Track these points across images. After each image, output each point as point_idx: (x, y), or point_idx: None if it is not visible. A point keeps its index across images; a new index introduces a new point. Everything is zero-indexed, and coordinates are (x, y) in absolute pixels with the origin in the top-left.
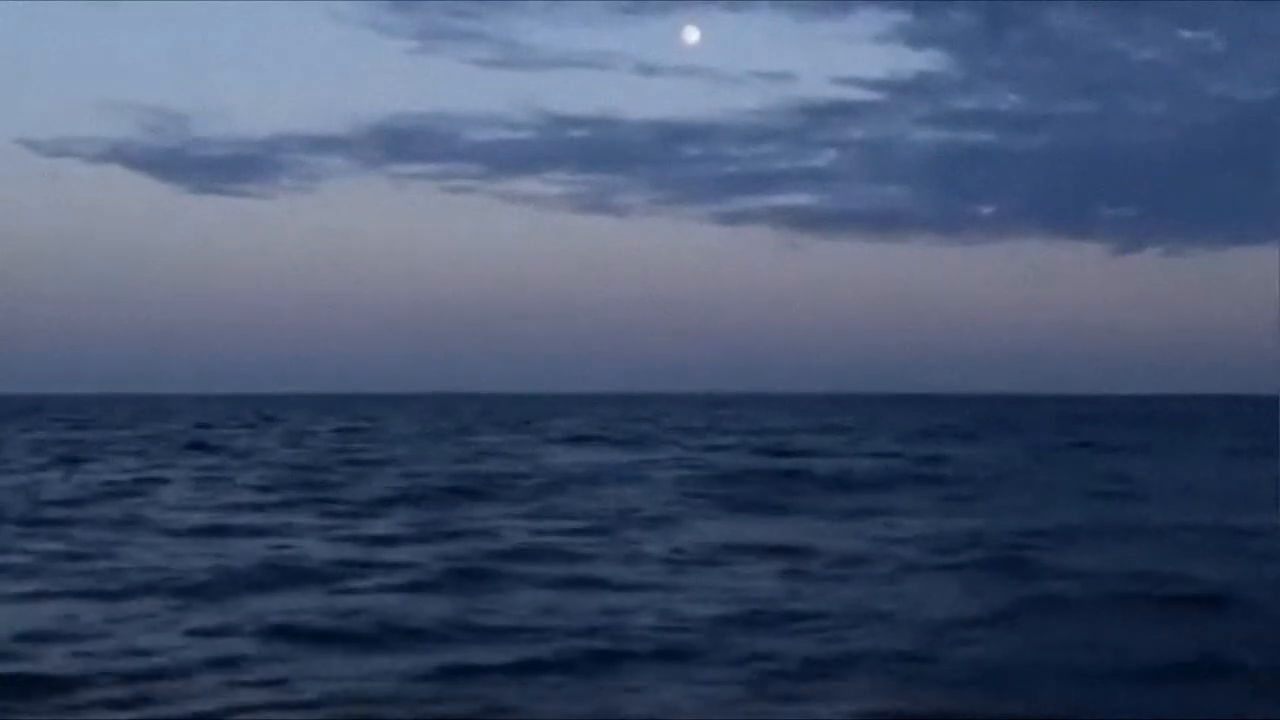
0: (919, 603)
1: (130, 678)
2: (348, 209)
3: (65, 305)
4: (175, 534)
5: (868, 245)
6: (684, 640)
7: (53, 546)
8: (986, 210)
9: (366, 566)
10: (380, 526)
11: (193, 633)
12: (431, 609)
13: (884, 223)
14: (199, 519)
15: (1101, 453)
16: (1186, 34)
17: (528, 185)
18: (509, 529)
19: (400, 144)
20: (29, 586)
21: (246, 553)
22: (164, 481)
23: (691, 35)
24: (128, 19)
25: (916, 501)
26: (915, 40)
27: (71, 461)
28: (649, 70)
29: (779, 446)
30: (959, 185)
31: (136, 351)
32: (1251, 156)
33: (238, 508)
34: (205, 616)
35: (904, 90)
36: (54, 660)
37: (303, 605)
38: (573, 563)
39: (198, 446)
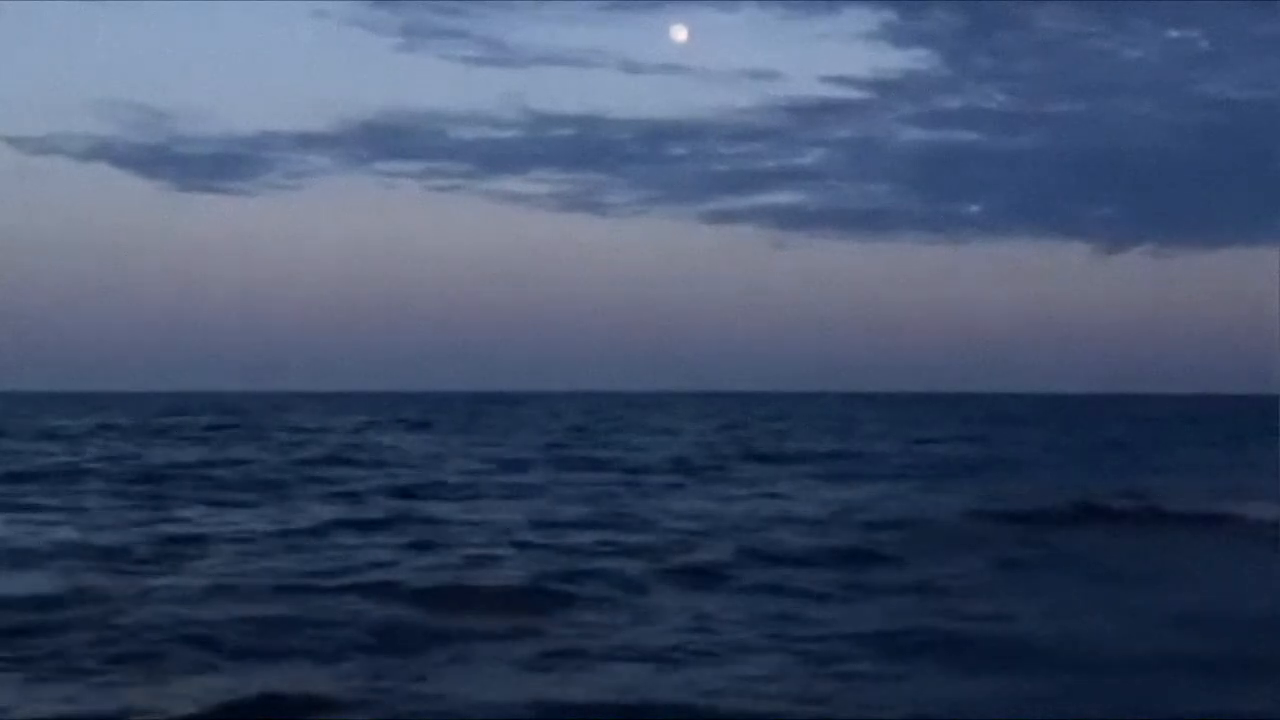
0: None
1: None
2: (333, 207)
3: (52, 302)
4: None
5: (855, 244)
6: None
7: None
8: (974, 209)
9: None
10: None
11: None
12: None
13: (871, 221)
14: None
15: None
16: (1173, 34)
17: (513, 184)
18: None
19: (386, 142)
20: None
21: None
22: None
23: (679, 34)
24: (113, 17)
25: None
26: (903, 39)
27: None
28: (635, 68)
29: None
30: (946, 184)
31: (124, 349)
32: (1239, 157)
33: None
34: None
35: (891, 89)
36: None
37: None
38: None
39: None
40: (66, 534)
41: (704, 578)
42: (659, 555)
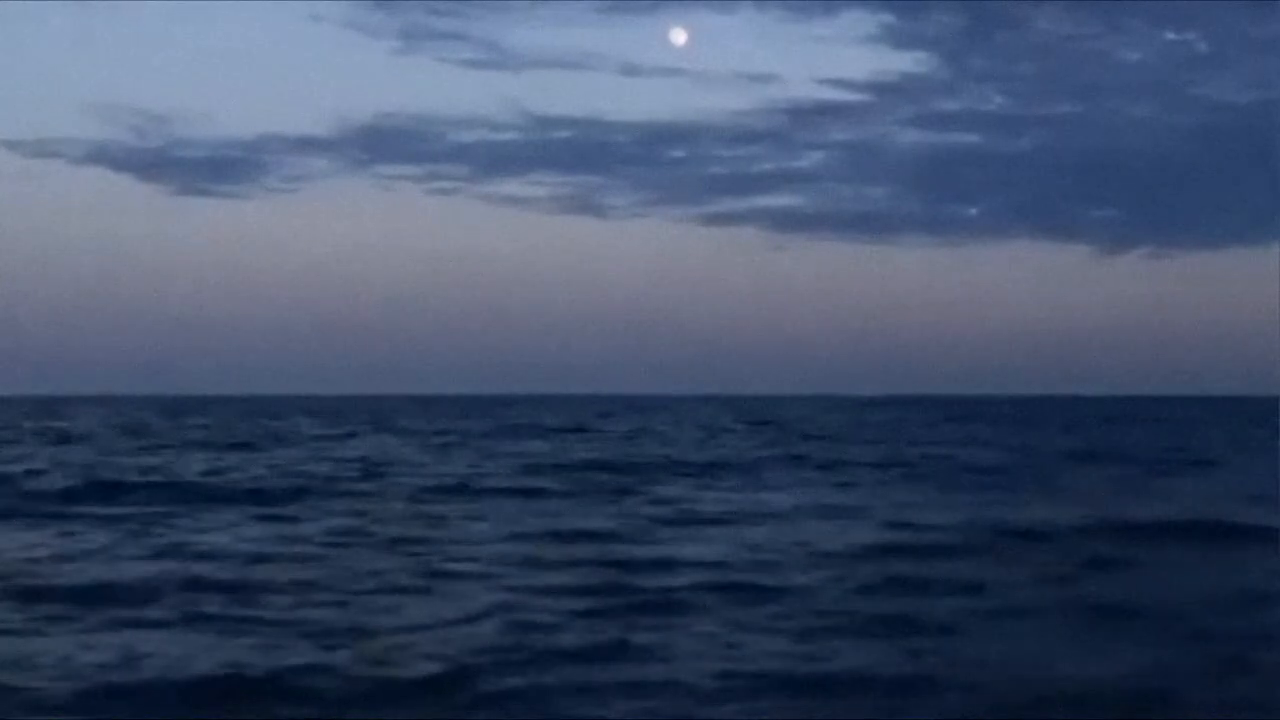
0: None
1: None
2: (331, 210)
3: (50, 306)
4: None
5: (853, 246)
6: None
7: None
8: (973, 212)
9: None
10: None
11: None
12: None
13: (870, 224)
14: None
15: None
16: (1171, 35)
17: (512, 187)
18: None
19: (384, 145)
20: None
21: None
22: None
23: (678, 36)
24: (112, 20)
25: None
26: (901, 42)
27: None
28: (633, 71)
29: None
30: (945, 187)
31: (120, 352)
32: (1236, 159)
33: None
34: None
35: (890, 92)
36: None
37: None
38: None
39: None
40: None
41: None
42: None
